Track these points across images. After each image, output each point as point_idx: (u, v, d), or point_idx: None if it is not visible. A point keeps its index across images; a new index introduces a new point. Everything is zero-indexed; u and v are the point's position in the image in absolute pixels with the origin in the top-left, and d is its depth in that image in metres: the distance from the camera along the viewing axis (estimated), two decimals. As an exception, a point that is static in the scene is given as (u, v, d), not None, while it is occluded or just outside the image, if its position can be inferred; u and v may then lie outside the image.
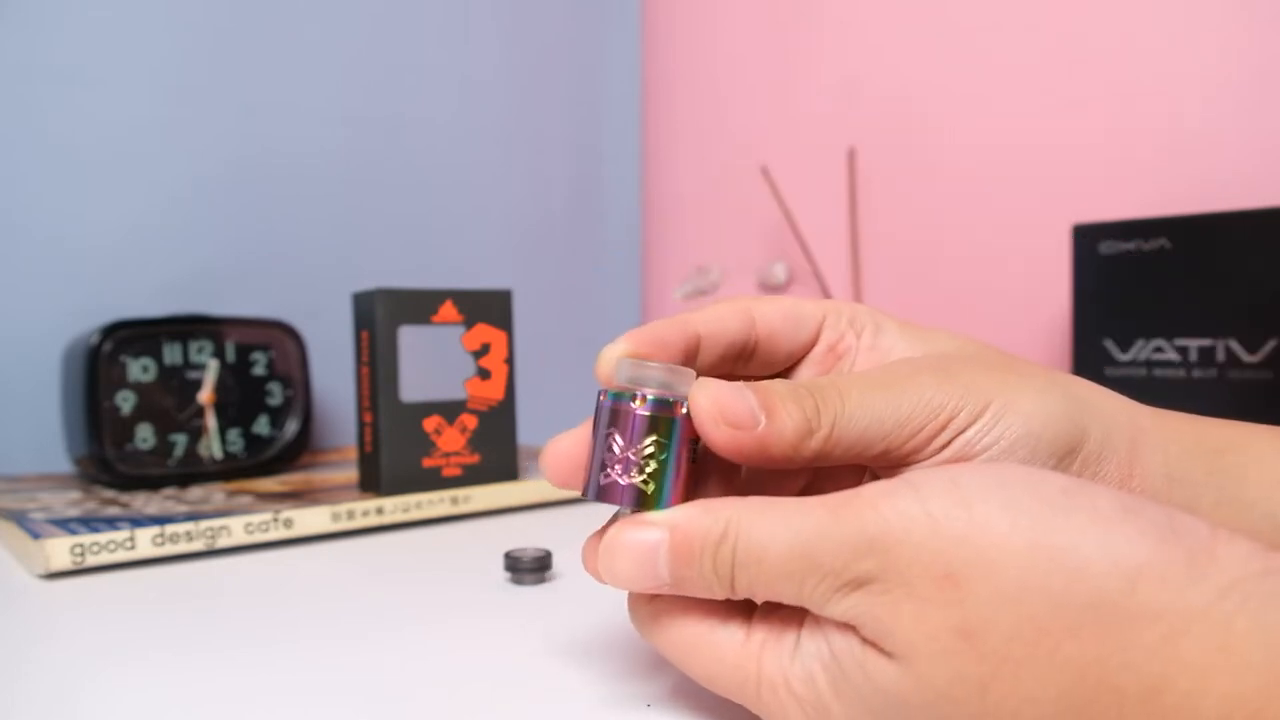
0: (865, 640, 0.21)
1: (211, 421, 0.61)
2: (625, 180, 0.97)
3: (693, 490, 0.26)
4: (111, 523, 0.45)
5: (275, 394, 0.64)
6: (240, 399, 0.62)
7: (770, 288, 0.85)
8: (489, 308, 0.56)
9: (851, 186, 0.83)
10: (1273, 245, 0.51)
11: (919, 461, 0.25)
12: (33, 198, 0.65)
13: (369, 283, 0.74)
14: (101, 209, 0.67)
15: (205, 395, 0.61)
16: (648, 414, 0.24)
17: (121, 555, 0.43)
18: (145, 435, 0.59)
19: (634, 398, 0.24)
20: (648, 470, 0.24)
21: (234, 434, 0.62)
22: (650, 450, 0.24)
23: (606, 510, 0.25)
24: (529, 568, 0.40)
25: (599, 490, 0.25)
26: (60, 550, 0.42)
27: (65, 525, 0.45)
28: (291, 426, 0.64)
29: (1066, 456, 0.25)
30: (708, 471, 0.27)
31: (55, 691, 0.29)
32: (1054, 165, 0.74)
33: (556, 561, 0.43)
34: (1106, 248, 0.57)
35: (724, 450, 0.24)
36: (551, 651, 0.32)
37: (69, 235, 0.66)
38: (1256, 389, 0.49)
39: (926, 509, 0.21)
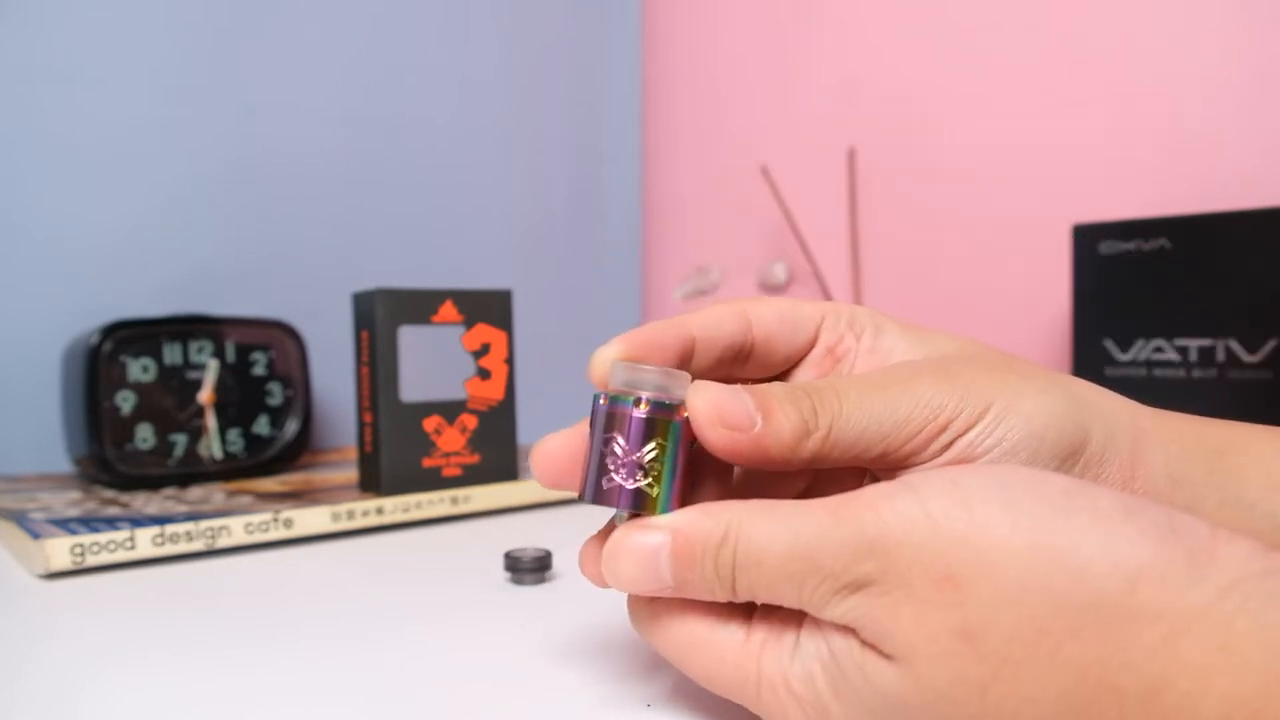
0: (865, 642, 0.21)
1: (211, 421, 0.61)
2: (625, 180, 0.97)
3: (689, 492, 0.26)
4: (111, 523, 0.45)
5: (275, 394, 0.64)
6: (240, 399, 0.62)
7: (770, 288, 0.85)
8: (489, 308, 0.56)
9: (851, 186, 0.83)
10: (1273, 245, 0.51)
11: (919, 464, 0.25)
12: (33, 198, 0.65)
13: (369, 283, 0.74)
14: (101, 209, 0.67)
15: (205, 395, 0.61)
16: (649, 417, 0.24)
17: (121, 555, 0.43)
18: (145, 435, 0.59)
19: (635, 401, 0.24)
20: (652, 474, 0.24)
21: (234, 434, 0.62)
22: (653, 453, 0.24)
23: (607, 509, 0.25)
24: (529, 568, 0.40)
25: (599, 493, 0.24)
26: (60, 550, 0.42)
27: (65, 525, 0.45)
28: (291, 426, 0.64)
29: (1069, 458, 0.25)
30: (703, 473, 0.27)
31: (55, 691, 0.29)
32: (1054, 165, 0.74)
33: (556, 561, 0.43)
34: (1106, 248, 0.57)
35: (721, 452, 0.24)
36: (551, 651, 0.32)
37: (69, 235, 0.66)
38: (1256, 389, 0.49)
39: (926, 510, 0.21)
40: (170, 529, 0.45)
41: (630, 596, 0.26)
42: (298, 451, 0.64)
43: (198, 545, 0.45)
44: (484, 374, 0.56)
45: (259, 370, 0.63)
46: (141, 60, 0.68)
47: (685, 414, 0.24)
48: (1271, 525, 0.26)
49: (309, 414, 0.65)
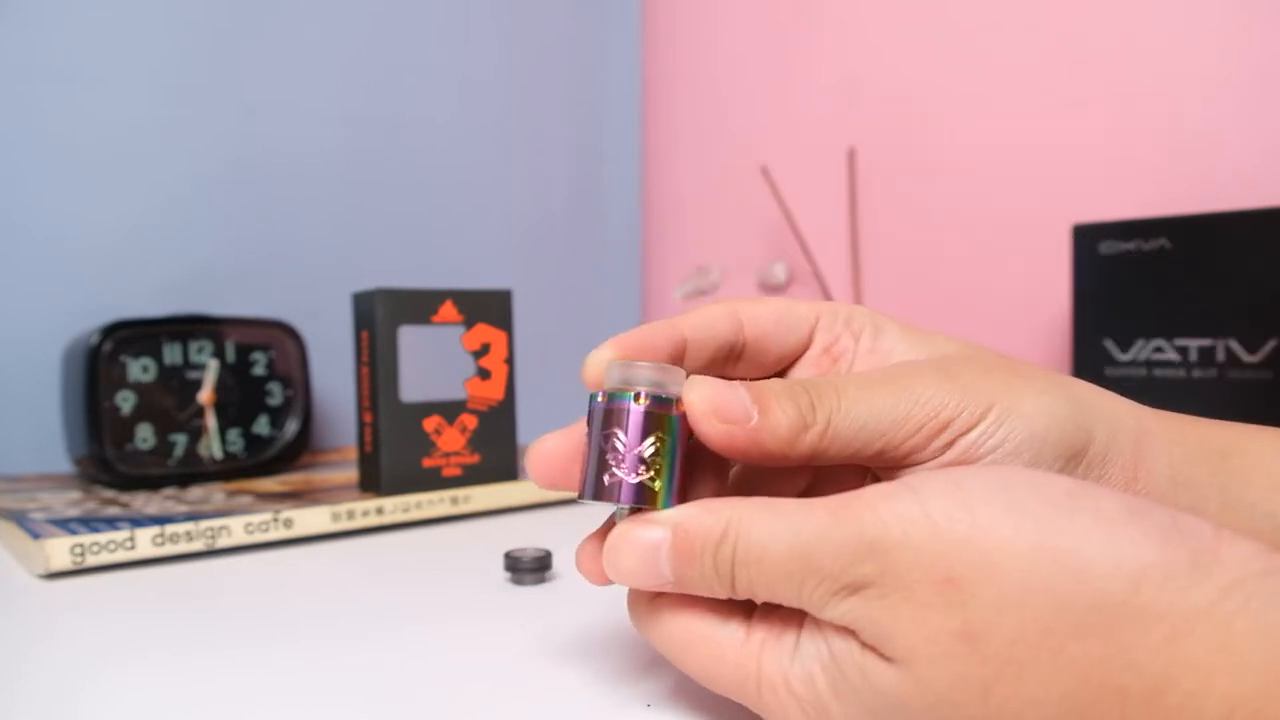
0: (865, 644, 0.21)
1: (211, 421, 0.61)
2: (625, 180, 0.97)
3: (687, 487, 0.26)
4: (111, 523, 0.45)
5: (275, 394, 0.64)
6: (240, 399, 0.62)
7: (770, 288, 0.85)
8: (489, 308, 0.56)
9: (851, 186, 0.83)
10: (1273, 245, 0.51)
11: (920, 463, 0.25)
12: (33, 198, 0.65)
13: (369, 283, 0.74)
14: (101, 209, 0.67)
15: (205, 395, 0.61)
16: (648, 411, 0.24)
17: (121, 555, 0.43)
18: (145, 435, 0.59)
19: (635, 396, 0.24)
20: (653, 468, 0.24)
21: (234, 434, 0.62)
22: (654, 447, 0.24)
23: (606, 508, 0.25)
24: (529, 568, 0.40)
25: (600, 490, 0.25)
26: (60, 550, 0.42)
27: (65, 525, 0.45)
28: (291, 426, 0.64)
29: (1072, 460, 0.25)
30: (700, 469, 0.27)
31: (55, 691, 0.29)
32: (1054, 165, 0.74)
33: (556, 561, 0.43)
34: (1106, 248, 0.57)
35: (718, 446, 0.24)
36: (551, 651, 0.32)
37: (69, 235, 0.66)
38: (1256, 389, 0.49)
39: (927, 511, 0.21)
40: (170, 529, 0.45)
41: (630, 594, 0.26)
42: (298, 451, 0.64)
43: (198, 545, 0.45)
44: (484, 374, 0.56)
45: (259, 370, 0.63)
46: (141, 60, 0.68)
47: (683, 408, 0.24)
48: (1273, 526, 0.26)
49: (309, 414, 0.65)
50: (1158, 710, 0.18)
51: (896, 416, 0.24)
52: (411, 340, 0.53)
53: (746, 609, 0.24)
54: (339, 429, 0.77)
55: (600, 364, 0.26)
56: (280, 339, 0.64)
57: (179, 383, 0.60)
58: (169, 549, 0.45)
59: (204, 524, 0.46)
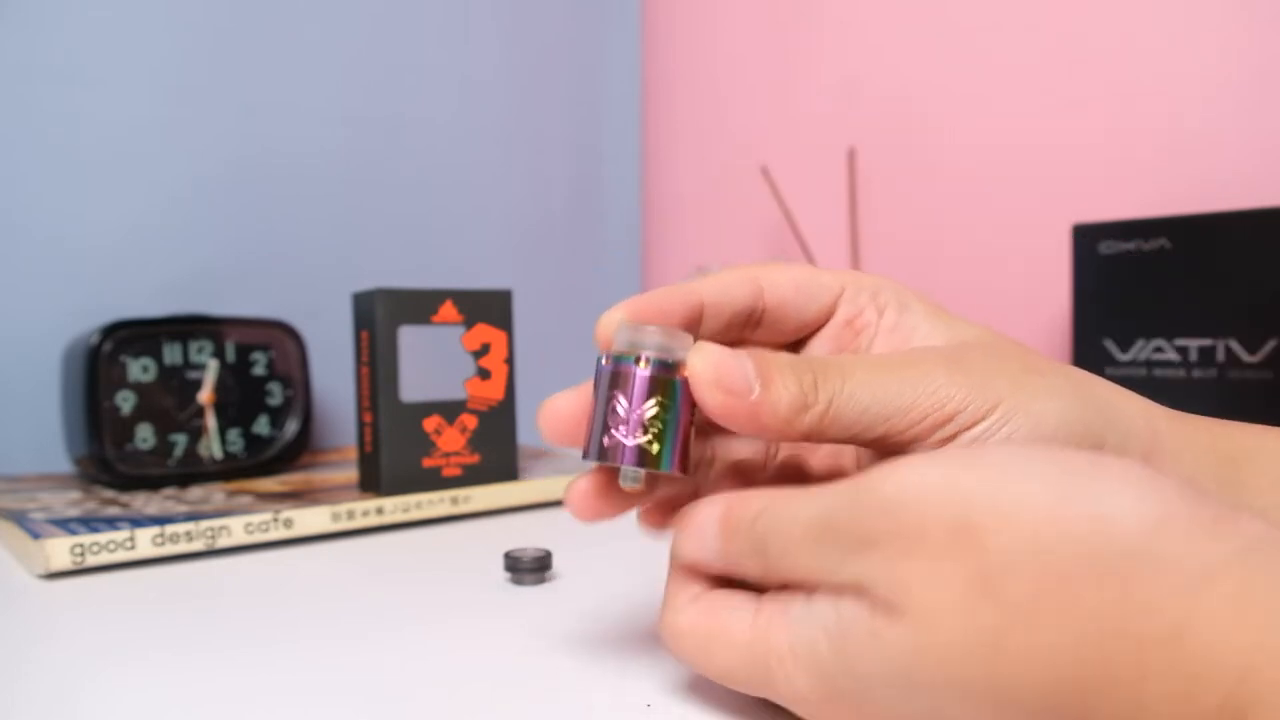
0: (876, 603, 0.21)
1: (211, 421, 0.61)
2: (625, 180, 0.97)
3: (692, 451, 0.27)
4: (111, 523, 0.45)
5: (275, 394, 0.64)
6: (240, 399, 0.62)
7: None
8: (489, 308, 0.56)
9: (851, 186, 0.83)
10: (1273, 245, 0.51)
11: (921, 450, 0.25)
12: (33, 198, 0.65)
13: (369, 283, 0.74)
14: (101, 209, 0.67)
15: (205, 395, 0.61)
16: (650, 375, 0.24)
17: (121, 555, 0.43)
18: (145, 435, 0.59)
19: (636, 359, 0.25)
20: (652, 431, 0.25)
21: (234, 434, 0.62)
22: (654, 411, 0.25)
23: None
24: (529, 568, 0.40)
25: (602, 451, 0.25)
26: (60, 550, 0.42)
27: (65, 525, 0.45)
28: (291, 426, 0.64)
29: None
30: (714, 432, 0.28)
31: (55, 691, 0.29)
32: (1054, 165, 0.74)
33: (556, 561, 0.43)
34: (1106, 248, 0.57)
35: (717, 415, 0.24)
36: (551, 651, 0.32)
37: (69, 235, 0.66)
38: (1256, 389, 0.49)
39: (943, 468, 0.21)
40: (170, 529, 0.45)
41: (661, 619, 0.26)
42: (298, 451, 0.64)
43: (198, 545, 0.45)
44: (484, 374, 0.56)
45: (259, 370, 0.63)
46: (141, 60, 0.68)
47: (686, 373, 0.25)
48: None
49: (309, 414, 0.65)
50: (1176, 658, 0.18)
51: (901, 404, 0.24)
52: (411, 340, 0.53)
53: (756, 600, 0.24)
54: (339, 429, 0.77)
55: (611, 325, 0.26)
56: (280, 339, 0.64)
57: (179, 383, 0.60)
58: (169, 549, 0.45)
59: (204, 524, 0.46)
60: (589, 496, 0.27)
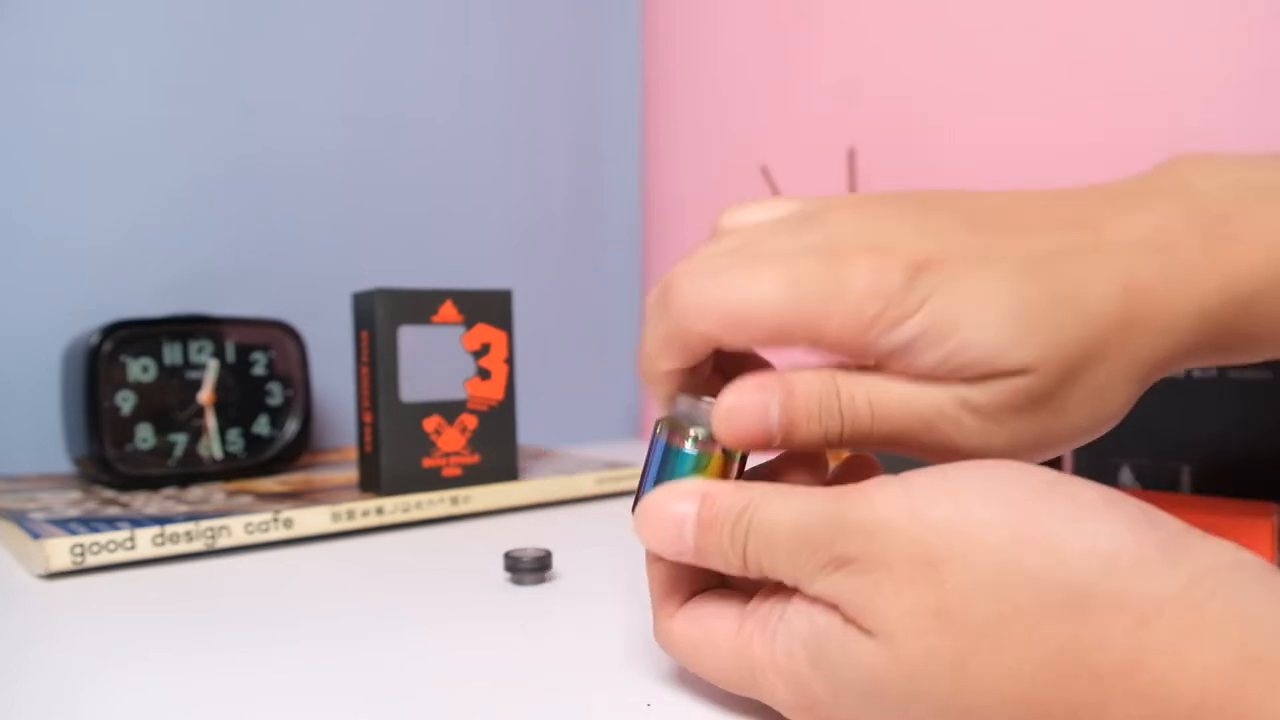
0: (847, 618, 0.22)
1: (211, 421, 0.61)
2: (625, 180, 0.97)
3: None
4: (111, 523, 0.45)
5: (275, 394, 0.64)
6: (240, 399, 0.63)
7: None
8: (489, 308, 0.56)
9: (851, 186, 0.83)
10: (1273, 245, 0.50)
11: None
12: (33, 198, 0.65)
13: (369, 283, 0.74)
14: (101, 209, 0.67)
15: (205, 395, 0.61)
16: (695, 453, 0.26)
17: (121, 555, 0.43)
18: (145, 435, 0.59)
19: (689, 437, 0.26)
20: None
21: (234, 434, 0.62)
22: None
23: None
24: (529, 568, 0.40)
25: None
26: (60, 550, 0.42)
27: (65, 525, 0.45)
28: (291, 426, 0.64)
29: None
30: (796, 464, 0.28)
31: (55, 691, 0.29)
32: (1054, 165, 0.74)
33: (556, 561, 0.43)
34: (1106, 248, 0.57)
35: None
36: (551, 651, 0.32)
37: (69, 235, 0.66)
38: (1256, 389, 0.49)
39: (912, 498, 0.22)
40: (170, 529, 0.45)
41: (654, 619, 0.28)
42: (298, 451, 0.64)
43: (198, 545, 0.45)
44: (484, 374, 0.56)
45: (259, 370, 0.63)
46: (141, 60, 0.68)
47: (690, 444, 0.26)
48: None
49: (309, 414, 0.65)
50: (1133, 688, 0.19)
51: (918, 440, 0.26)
52: (411, 340, 0.53)
53: (740, 609, 0.26)
54: (339, 429, 0.77)
55: (663, 385, 0.28)
56: (280, 339, 0.64)
57: (179, 383, 0.60)
58: (169, 549, 0.45)
59: (204, 524, 0.46)
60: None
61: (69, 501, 0.52)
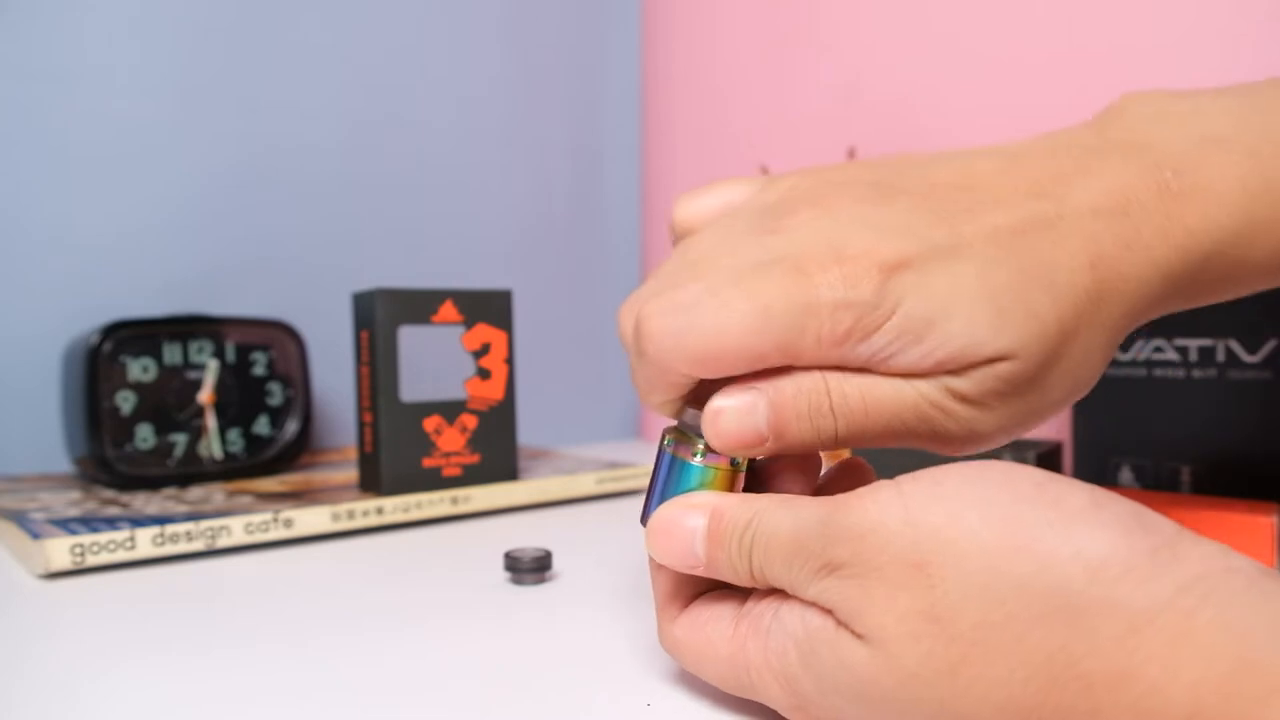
0: (840, 623, 0.22)
1: (211, 421, 0.61)
2: (625, 180, 0.97)
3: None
4: (111, 523, 0.45)
5: (275, 394, 0.64)
6: (240, 399, 0.63)
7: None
8: (489, 308, 0.56)
9: (851, 186, 0.83)
10: (1273, 245, 0.50)
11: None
12: (33, 198, 0.65)
13: (369, 283, 0.74)
14: (102, 209, 0.67)
15: (205, 395, 0.61)
16: (702, 465, 0.26)
17: (121, 555, 0.43)
18: (145, 435, 0.59)
19: (695, 450, 0.26)
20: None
21: (234, 434, 0.62)
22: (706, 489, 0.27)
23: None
24: (529, 568, 0.40)
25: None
26: (60, 550, 0.42)
27: (65, 525, 0.45)
28: (291, 426, 0.64)
29: None
30: (789, 473, 0.29)
31: (55, 691, 0.29)
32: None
33: (556, 561, 0.43)
34: (1106, 248, 0.57)
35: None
36: (551, 651, 0.32)
37: (69, 235, 0.66)
38: (1256, 389, 0.49)
39: (905, 504, 0.22)
40: (170, 529, 0.45)
41: (659, 625, 0.28)
42: (298, 451, 0.64)
43: (198, 545, 0.45)
44: (484, 374, 0.56)
45: (259, 370, 0.63)
46: (143, 60, 0.68)
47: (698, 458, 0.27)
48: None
49: (309, 414, 0.65)
50: (1125, 699, 0.18)
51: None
52: (411, 340, 0.53)
53: (737, 610, 0.26)
54: (339, 429, 0.77)
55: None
56: (280, 339, 0.64)
57: (179, 383, 0.60)
58: (169, 549, 0.45)
59: (204, 524, 0.46)
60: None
61: (69, 501, 0.52)
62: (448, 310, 0.54)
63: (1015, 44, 0.76)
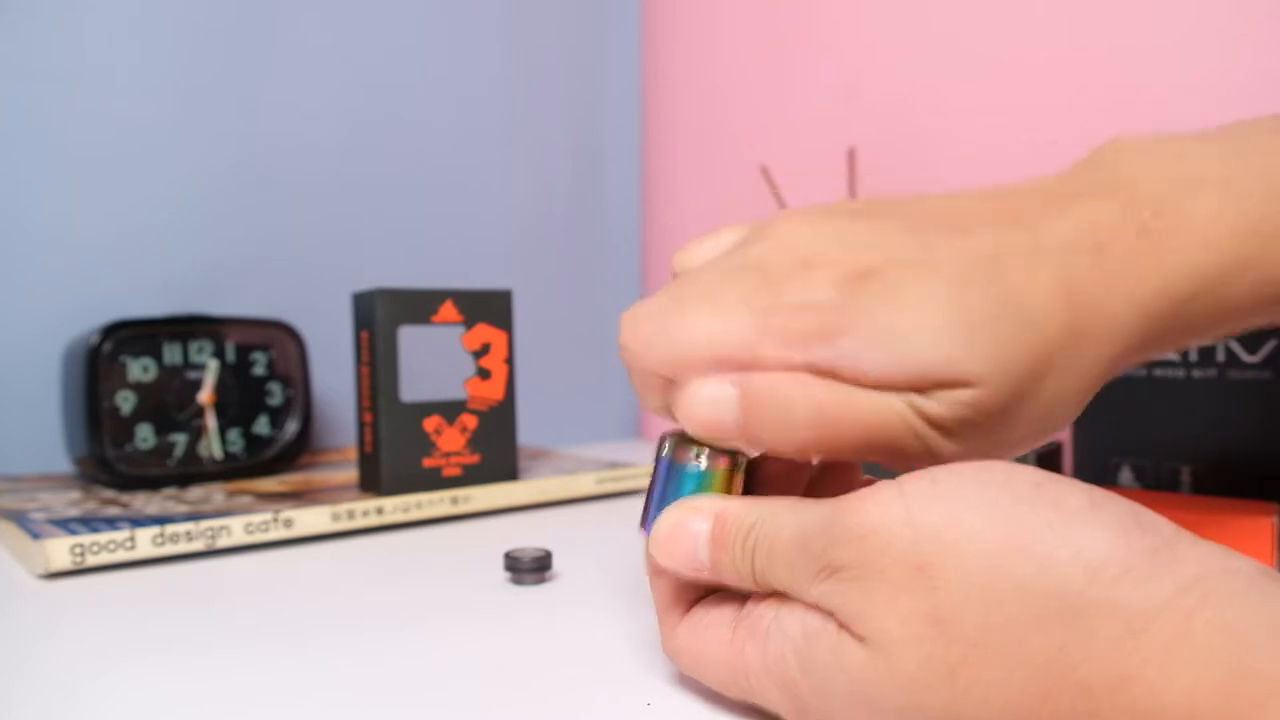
0: (841, 625, 0.22)
1: (211, 421, 0.61)
2: (625, 181, 0.97)
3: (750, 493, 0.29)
4: (111, 523, 0.45)
5: (275, 394, 0.64)
6: (240, 399, 0.63)
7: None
8: (489, 308, 0.56)
9: (851, 186, 0.83)
10: (1273, 245, 0.50)
11: None
12: (33, 198, 0.65)
13: (369, 283, 0.74)
14: (102, 209, 0.67)
15: (205, 395, 0.61)
16: (700, 469, 0.26)
17: (121, 555, 0.43)
18: (145, 435, 0.59)
19: (693, 455, 0.26)
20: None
21: (234, 434, 0.62)
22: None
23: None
24: (529, 568, 0.40)
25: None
26: (60, 550, 0.42)
27: (65, 525, 0.45)
28: (291, 426, 0.64)
29: None
30: (776, 485, 0.29)
31: (55, 691, 0.29)
32: (1054, 166, 0.74)
33: (556, 561, 0.43)
34: (1106, 248, 0.57)
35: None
36: (551, 651, 0.32)
37: (69, 235, 0.66)
38: (1256, 389, 0.49)
39: (906, 504, 0.22)
40: (170, 529, 0.45)
41: (661, 630, 0.28)
42: (298, 451, 0.64)
43: (198, 545, 0.45)
44: (484, 374, 0.56)
45: (259, 370, 0.63)
46: (143, 60, 0.68)
47: (739, 461, 0.27)
48: None
49: (309, 414, 0.65)
50: (1123, 702, 0.18)
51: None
52: (411, 340, 0.53)
53: (735, 615, 0.26)
54: (339, 429, 0.77)
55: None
56: (280, 339, 0.64)
57: (179, 383, 0.60)
58: (169, 549, 0.45)
59: (204, 524, 0.46)
60: None
61: (69, 501, 0.52)
62: (448, 310, 0.54)
63: (1015, 44, 0.76)
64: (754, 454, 0.27)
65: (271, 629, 0.35)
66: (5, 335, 0.64)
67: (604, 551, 0.46)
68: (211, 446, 0.61)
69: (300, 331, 0.66)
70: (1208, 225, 0.25)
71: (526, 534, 0.50)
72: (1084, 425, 0.51)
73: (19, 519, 0.46)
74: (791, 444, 0.25)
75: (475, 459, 0.55)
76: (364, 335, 0.53)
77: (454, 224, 0.84)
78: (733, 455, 0.27)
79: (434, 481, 0.54)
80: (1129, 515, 0.20)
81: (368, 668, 0.30)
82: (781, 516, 0.24)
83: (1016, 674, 0.20)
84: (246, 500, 0.52)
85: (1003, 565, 0.20)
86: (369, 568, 0.44)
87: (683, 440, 0.27)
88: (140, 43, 0.68)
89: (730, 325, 0.25)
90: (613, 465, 0.63)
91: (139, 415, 0.59)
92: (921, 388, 0.24)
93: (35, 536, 0.42)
